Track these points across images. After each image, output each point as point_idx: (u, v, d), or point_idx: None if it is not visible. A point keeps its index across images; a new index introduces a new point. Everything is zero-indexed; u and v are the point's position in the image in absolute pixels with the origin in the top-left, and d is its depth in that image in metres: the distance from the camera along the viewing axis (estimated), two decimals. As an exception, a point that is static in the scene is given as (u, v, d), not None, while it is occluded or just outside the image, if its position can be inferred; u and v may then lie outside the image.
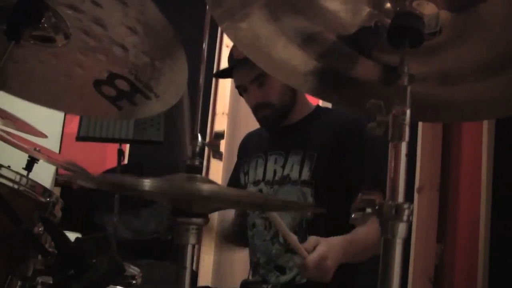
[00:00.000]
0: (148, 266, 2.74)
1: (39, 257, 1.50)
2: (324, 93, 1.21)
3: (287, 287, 1.88)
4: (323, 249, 1.59)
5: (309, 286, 1.85)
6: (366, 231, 1.76)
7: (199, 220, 1.11)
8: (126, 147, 3.72)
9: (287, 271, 1.89)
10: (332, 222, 1.82)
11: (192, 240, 1.11)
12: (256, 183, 2.03)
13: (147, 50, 1.11)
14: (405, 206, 0.86)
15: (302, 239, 1.87)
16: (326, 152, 1.89)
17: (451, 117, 1.21)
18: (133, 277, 2.21)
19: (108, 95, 1.27)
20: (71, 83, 1.30)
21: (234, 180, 2.18)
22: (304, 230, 1.88)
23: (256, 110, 1.98)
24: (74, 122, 3.44)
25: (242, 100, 2.04)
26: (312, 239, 1.64)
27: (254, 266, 2.02)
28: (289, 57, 1.11)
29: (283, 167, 1.94)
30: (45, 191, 1.40)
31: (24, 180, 1.36)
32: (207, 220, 1.14)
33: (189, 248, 1.11)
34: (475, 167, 2.42)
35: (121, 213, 3.19)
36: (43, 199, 1.38)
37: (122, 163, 3.26)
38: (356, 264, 1.92)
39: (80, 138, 3.21)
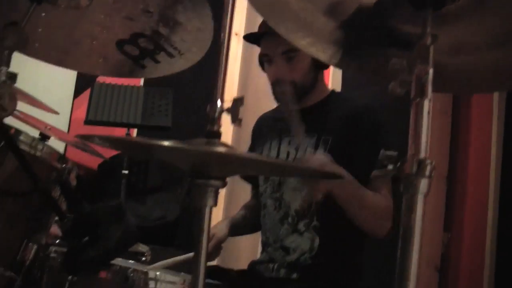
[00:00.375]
0: (153, 251, 2.75)
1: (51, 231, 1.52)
2: (343, 63, 1.22)
3: (293, 267, 1.90)
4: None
5: (314, 268, 1.87)
6: (375, 194, 1.81)
7: (217, 182, 1.12)
8: (134, 133, 3.72)
9: (291, 251, 1.91)
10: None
11: (210, 202, 1.12)
12: None
13: (172, 9, 1.11)
14: (428, 161, 0.86)
15: (310, 221, 1.90)
16: (340, 137, 1.90)
17: (460, 87, 1.22)
18: (142, 254, 2.24)
19: (131, 54, 1.29)
20: (95, 44, 1.32)
21: None
22: (313, 212, 1.90)
23: (277, 84, 1.96)
24: (82, 108, 3.45)
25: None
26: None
27: (263, 245, 2.03)
28: (313, 23, 1.12)
29: (297, 149, 1.95)
30: (60, 157, 1.41)
31: (40, 146, 1.37)
32: (225, 183, 1.15)
33: (207, 210, 1.12)
34: (484, 157, 2.42)
35: (127, 199, 3.20)
36: (59, 165, 1.39)
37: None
38: (361, 268, 1.96)
39: (88, 121, 3.22)
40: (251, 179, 2.17)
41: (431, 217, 2.58)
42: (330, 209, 1.86)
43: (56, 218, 1.47)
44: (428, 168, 0.86)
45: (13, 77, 1.10)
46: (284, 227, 1.94)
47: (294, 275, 1.89)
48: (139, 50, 1.32)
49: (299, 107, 2.00)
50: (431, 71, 0.90)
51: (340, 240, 1.90)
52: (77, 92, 3.64)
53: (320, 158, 1.71)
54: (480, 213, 2.44)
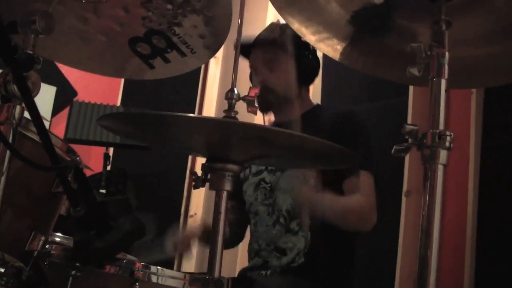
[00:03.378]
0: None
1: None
2: (351, 58, 1.29)
3: (286, 270, 1.93)
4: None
5: (307, 267, 1.91)
6: (351, 198, 1.89)
7: (234, 167, 1.17)
8: (110, 152, 3.71)
9: (288, 252, 1.95)
10: None
11: (227, 186, 1.16)
12: (258, 173, 2.08)
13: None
14: (447, 133, 0.93)
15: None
16: (326, 138, 1.96)
17: (461, 81, 1.30)
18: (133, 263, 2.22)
19: (142, 53, 1.32)
20: (107, 42, 1.35)
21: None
22: (303, 212, 1.94)
23: (260, 93, 2.02)
24: (60, 126, 3.43)
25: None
26: None
27: (255, 253, 2.06)
28: (325, 17, 1.19)
29: None
30: (69, 150, 1.42)
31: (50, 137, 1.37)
32: (242, 168, 1.19)
33: (224, 194, 1.16)
34: (462, 172, 2.50)
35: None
36: (68, 158, 1.40)
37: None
38: (353, 259, 2.02)
39: (67, 140, 3.20)
40: (236, 194, 2.19)
41: (412, 232, 2.64)
42: None
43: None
44: (448, 139, 0.93)
45: (38, 60, 1.13)
46: (276, 229, 1.98)
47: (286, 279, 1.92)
48: (151, 49, 1.35)
49: (286, 120, 2.07)
50: (447, 53, 0.97)
51: (332, 234, 1.94)
52: (55, 111, 3.62)
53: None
54: (459, 228, 2.50)
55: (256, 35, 2.05)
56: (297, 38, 1.95)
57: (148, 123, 1.13)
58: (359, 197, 1.89)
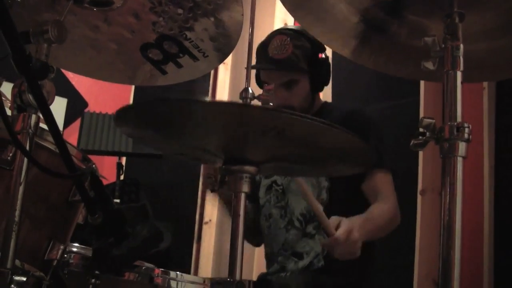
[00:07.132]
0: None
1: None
2: (362, 57, 1.29)
3: (305, 273, 1.92)
4: (348, 224, 1.63)
5: (326, 269, 1.90)
6: (380, 208, 1.85)
7: (251, 168, 1.16)
8: (123, 161, 3.73)
9: (305, 255, 1.93)
10: (347, 205, 1.91)
11: (245, 188, 1.16)
12: (269, 175, 2.08)
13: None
14: (465, 125, 0.92)
15: (318, 223, 1.93)
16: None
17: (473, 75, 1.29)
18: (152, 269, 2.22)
19: (154, 59, 1.32)
20: (118, 50, 1.35)
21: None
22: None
23: None
24: (72, 137, 3.45)
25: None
26: (333, 218, 1.66)
27: (270, 256, 2.05)
28: (335, 18, 1.18)
29: None
30: (84, 158, 1.42)
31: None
32: (259, 169, 1.18)
33: (242, 196, 1.15)
34: (477, 168, 2.48)
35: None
36: (83, 166, 1.40)
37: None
38: (373, 263, 2.00)
39: (79, 151, 3.21)
40: (253, 195, 2.18)
41: (428, 231, 2.63)
42: (336, 208, 1.90)
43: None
44: (466, 131, 0.92)
45: (52, 69, 1.13)
46: (291, 233, 1.97)
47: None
48: (162, 54, 1.36)
49: None
50: (461, 45, 0.97)
51: None
52: (67, 122, 3.64)
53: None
54: (476, 225, 2.48)
55: (265, 50, 2.01)
56: (308, 51, 1.95)
57: (164, 116, 1.07)
58: (382, 204, 1.86)
